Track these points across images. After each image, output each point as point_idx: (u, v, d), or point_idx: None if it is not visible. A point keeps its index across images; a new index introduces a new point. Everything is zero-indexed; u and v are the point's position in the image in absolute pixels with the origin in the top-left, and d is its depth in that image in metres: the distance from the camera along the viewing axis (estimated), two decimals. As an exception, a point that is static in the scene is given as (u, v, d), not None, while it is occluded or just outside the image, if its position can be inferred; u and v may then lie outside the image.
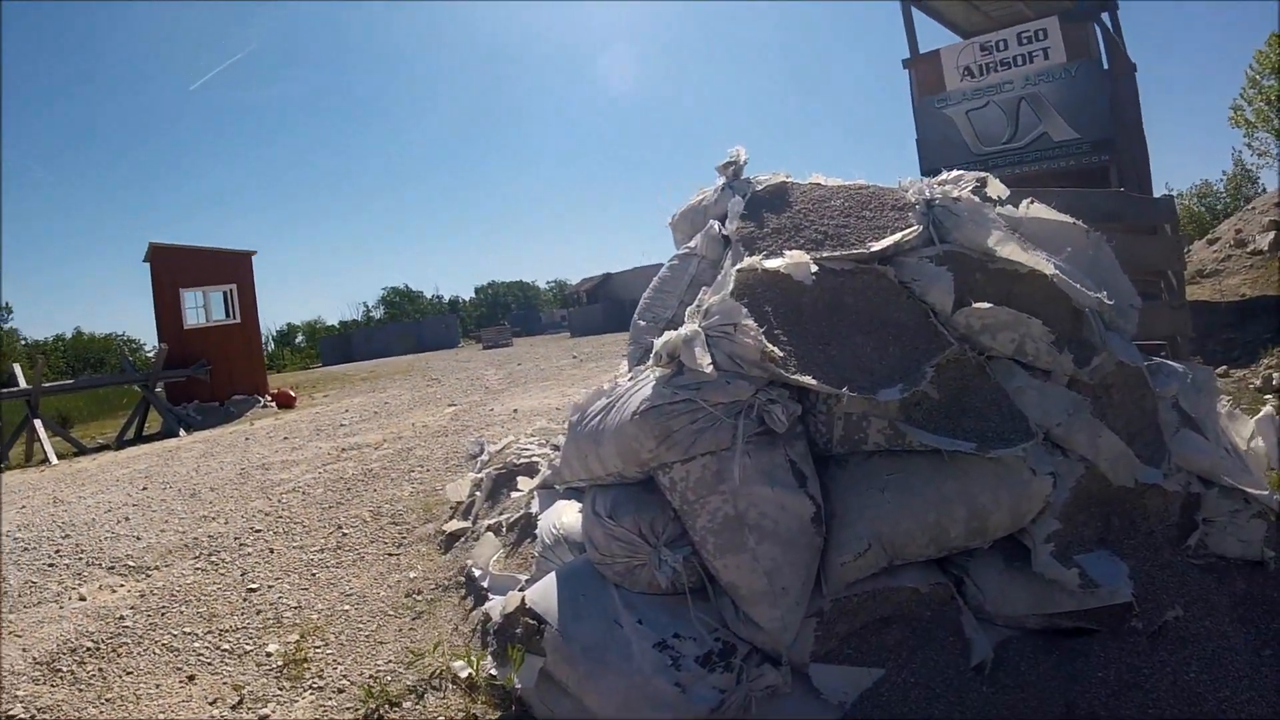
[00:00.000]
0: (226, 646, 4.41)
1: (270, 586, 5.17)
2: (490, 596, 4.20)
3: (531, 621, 3.48)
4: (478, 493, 5.82)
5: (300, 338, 77.32)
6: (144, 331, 65.42)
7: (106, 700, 3.98)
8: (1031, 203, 3.92)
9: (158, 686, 4.07)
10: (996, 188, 4.00)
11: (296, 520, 6.46)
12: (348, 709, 3.70)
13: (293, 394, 19.86)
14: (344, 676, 3.96)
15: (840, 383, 3.05)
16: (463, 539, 5.35)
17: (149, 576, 5.61)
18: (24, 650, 4.53)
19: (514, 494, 5.29)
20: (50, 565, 6.04)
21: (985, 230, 3.56)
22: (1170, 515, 3.44)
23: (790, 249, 3.60)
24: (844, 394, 3.04)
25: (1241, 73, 26.50)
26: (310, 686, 3.91)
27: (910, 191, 3.88)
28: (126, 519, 7.26)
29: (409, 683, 3.79)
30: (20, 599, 5.40)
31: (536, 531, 4.30)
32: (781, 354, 3.09)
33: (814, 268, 3.42)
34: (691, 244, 4.31)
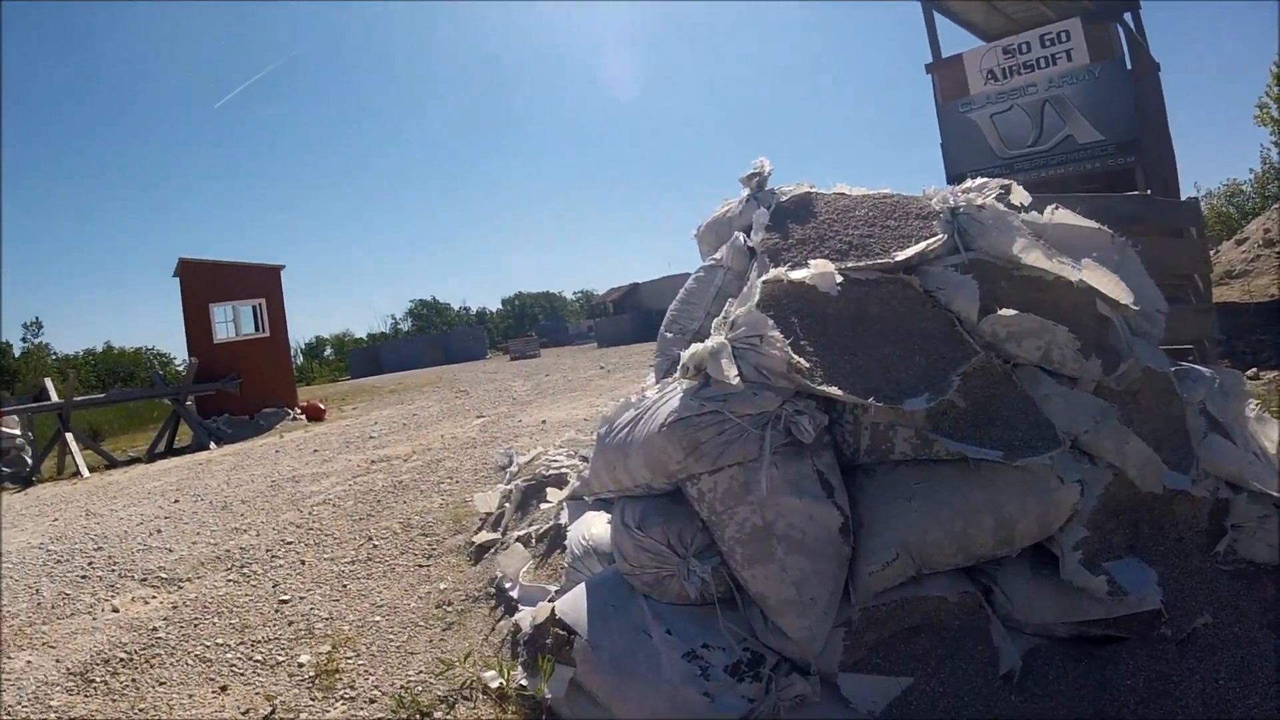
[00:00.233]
0: (259, 657, 4.44)
1: (302, 598, 5.21)
2: (520, 607, 4.21)
3: (561, 632, 3.51)
4: (507, 504, 5.84)
5: (329, 350, 77.99)
6: (174, 345, 65.98)
7: (139, 711, 4.01)
8: (1056, 209, 3.90)
9: (190, 697, 4.10)
10: (1020, 194, 3.98)
11: (327, 532, 6.51)
12: (379, 719, 3.73)
13: (322, 406, 19.99)
14: (375, 687, 3.99)
15: (866, 393, 3.06)
16: (492, 550, 5.36)
17: (181, 588, 5.66)
18: (57, 661, 4.58)
19: (543, 505, 5.31)
20: (83, 577, 6.11)
21: (1010, 237, 3.56)
22: (1199, 521, 3.42)
23: (815, 259, 3.60)
24: (870, 404, 3.04)
25: (1267, 70, 26.27)
26: (342, 697, 3.93)
27: (934, 200, 3.88)
28: (158, 531, 7.34)
29: (440, 693, 3.81)
30: (54, 610, 5.45)
31: (566, 542, 4.31)
32: (808, 365, 3.10)
33: (839, 278, 3.42)
34: (717, 256, 4.32)
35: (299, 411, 20.08)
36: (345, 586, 5.33)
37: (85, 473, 14.37)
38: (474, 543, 5.62)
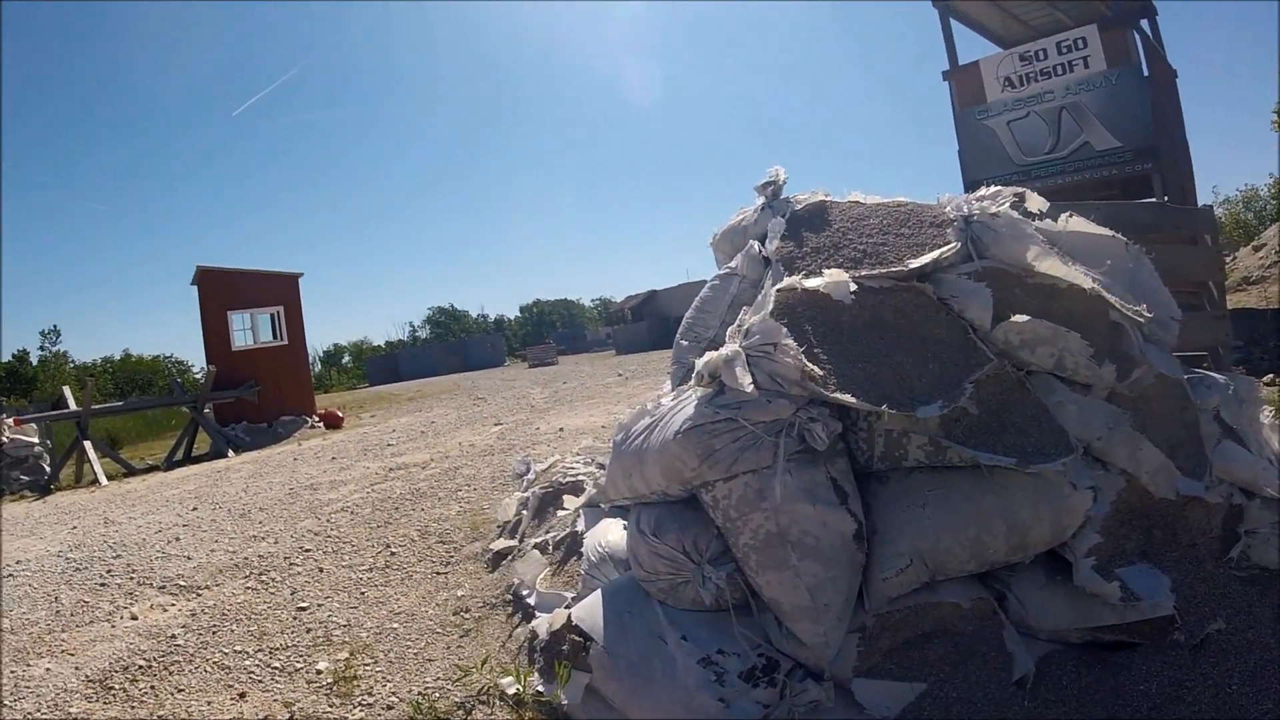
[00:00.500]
0: (277, 664, 4.47)
1: (320, 605, 5.24)
2: (537, 614, 4.24)
3: (578, 638, 3.53)
4: (524, 511, 5.87)
5: (347, 358, 78.18)
6: (192, 353, 66.44)
7: (159, 717, 4.04)
8: (1070, 217, 3.90)
9: (209, 704, 4.13)
10: (1036, 202, 3.99)
11: (345, 539, 6.55)
12: (397, 725, 3.76)
13: (340, 414, 20.09)
14: (393, 693, 4.01)
15: (880, 400, 3.07)
16: (510, 557, 5.39)
17: (200, 595, 5.70)
18: (77, 668, 4.62)
19: (560, 512, 5.34)
20: (102, 585, 6.16)
21: (1024, 245, 3.56)
22: (1212, 527, 3.42)
23: (829, 268, 3.62)
24: (884, 411, 3.06)
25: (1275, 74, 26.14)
26: (360, 703, 3.95)
27: (948, 208, 3.89)
28: (177, 539, 7.39)
29: (457, 699, 3.83)
30: (73, 618, 5.50)
31: (582, 549, 4.34)
32: (821, 372, 3.12)
33: (853, 286, 3.44)
34: (732, 264, 4.34)
35: (317, 419, 20.16)
36: (363, 594, 5.36)
37: (103, 480, 14.46)
38: (491, 550, 5.64)
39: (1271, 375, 8.11)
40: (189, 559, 6.60)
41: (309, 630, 4.86)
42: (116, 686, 4.38)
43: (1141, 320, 3.51)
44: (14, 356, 53.81)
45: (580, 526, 4.77)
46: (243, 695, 4.18)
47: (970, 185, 12.92)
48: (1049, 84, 12.67)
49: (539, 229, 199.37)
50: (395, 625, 4.79)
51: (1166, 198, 11.66)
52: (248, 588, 5.70)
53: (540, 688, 3.63)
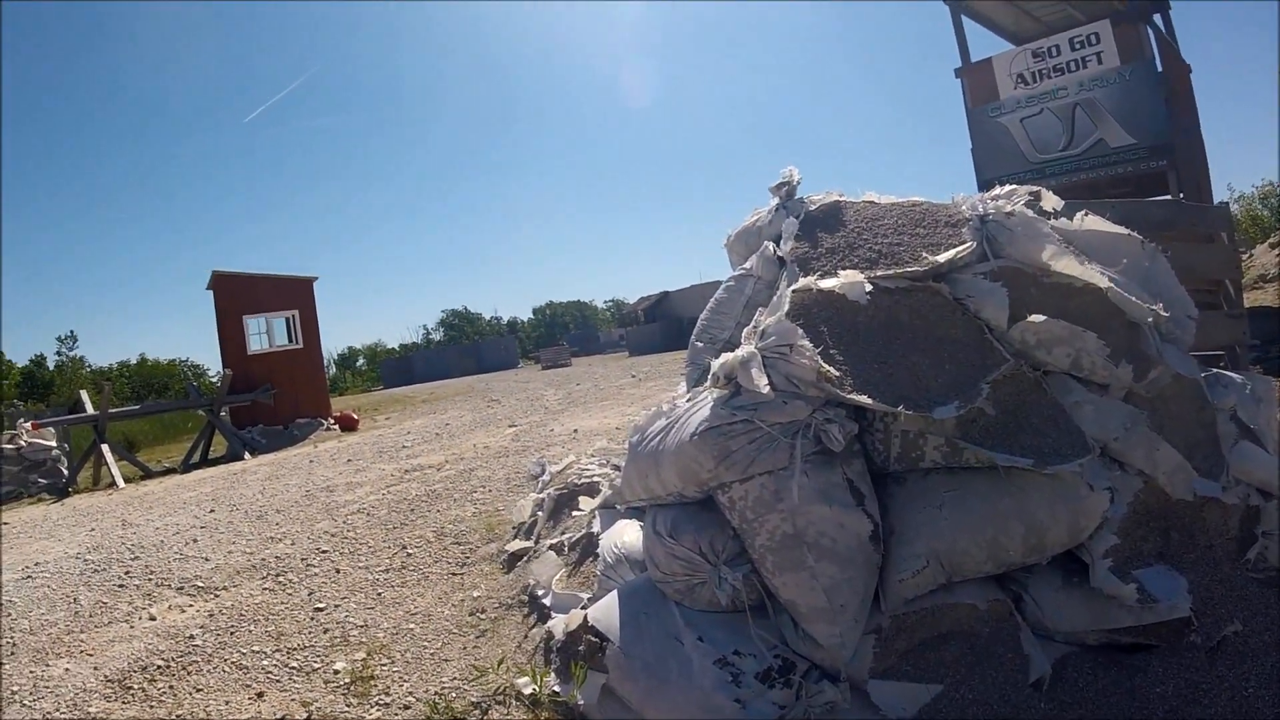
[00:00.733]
0: (295, 664, 4.50)
1: (337, 606, 5.27)
2: (553, 614, 4.25)
3: (594, 639, 3.53)
4: (539, 513, 5.88)
5: (361, 360, 78.49)
6: (208, 357, 66.69)
7: (177, 717, 4.07)
8: (1086, 215, 3.89)
9: (227, 703, 4.16)
10: (1051, 200, 3.97)
11: (362, 541, 6.58)
12: (414, 725, 3.78)
13: (355, 416, 20.17)
14: (410, 693, 4.03)
15: (896, 401, 3.07)
16: (525, 558, 5.40)
17: (218, 596, 5.74)
18: (96, 668, 4.66)
19: (575, 514, 5.34)
20: (120, 586, 6.21)
21: (1039, 245, 3.55)
22: (1229, 529, 3.40)
23: (844, 268, 3.62)
24: (900, 412, 3.06)
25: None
26: (377, 703, 3.98)
27: (963, 207, 3.88)
28: (194, 540, 7.45)
29: (474, 699, 3.85)
30: (91, 619, 5.55)
31: (598, 550, 4.35)
32: (837, 373, 3.11)
33: (868, 287, 3.44)
34: (747, 265, 4.33)
35: (332, 421, 20.23)
36: (380, 594, 5.39)
37: (121, 483, 14.53)
38: (507, 551, 5.66)
39: (1289, 374, 8.05)
40: (207, 560, 6.65)
41: (326, 631, 4.88)
42: (135, 686, 4.42)
43: (1158, 319, 3.49)
44: (31, 361, 54.27)
45: (596, 528, 4.77)
46: (261, 695, 4.21)
47: (984, 183, 12.83)
48: (1062, 80, 12.58)
49: (551, 231, 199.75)
50: (412, 626, 4.81)
51: (1182, 195, 11.58)
52: (265, 589, 5.74)
53: (556, 688, 3.64)
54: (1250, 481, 3.56)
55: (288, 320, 21.29)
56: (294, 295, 21.46)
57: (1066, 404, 3.32)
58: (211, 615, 5.33)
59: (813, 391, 3.13)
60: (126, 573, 6.53)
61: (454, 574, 5.59)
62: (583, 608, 3.83)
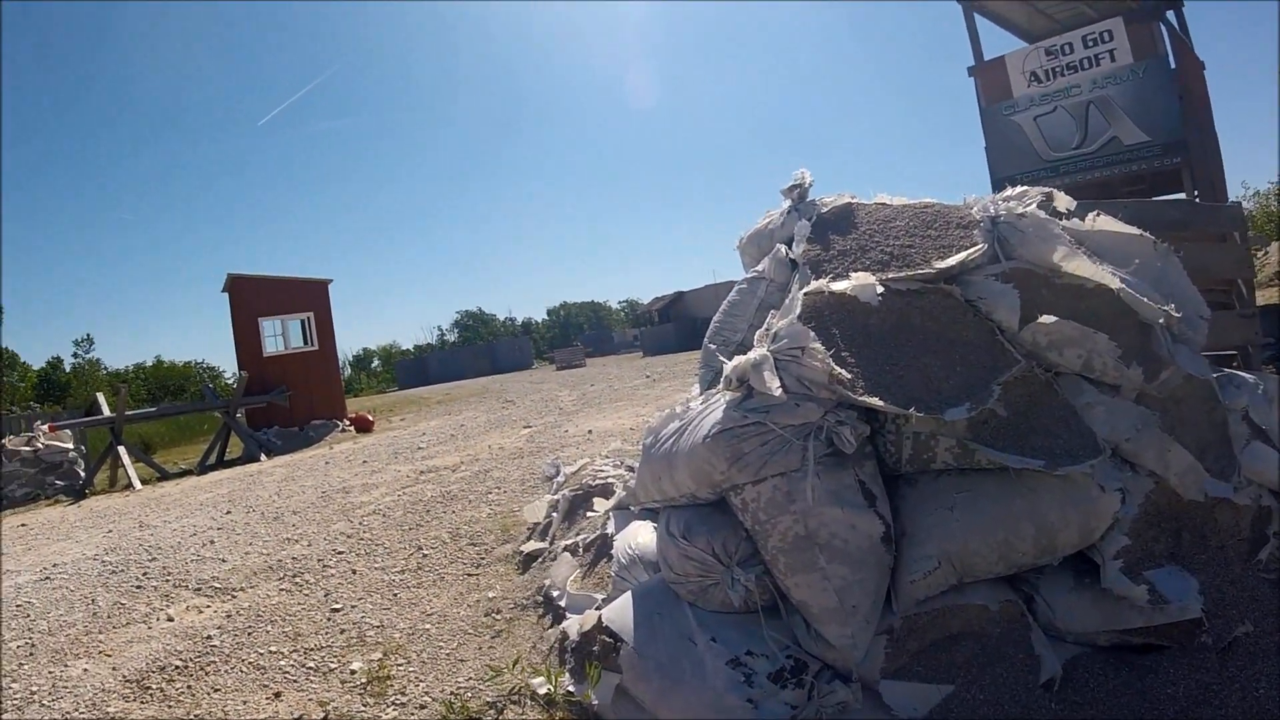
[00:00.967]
0: (312, 664, 4.53)
1: (353, 606, 5.30)
2: (567, 615, 4.27)
3: (608, 639, 3.56)
4: (554, 514, 5.90)
5: (376, 362, 78.73)
6: (224, 359, 67.00)
7: (195, 716, 4.11)
8: (1098, 215, 3.89)
9: (245, 703, 4.19)
10: (1063, 201, 3.97)
11: (378, 542, 6.61)
12: (430, 724, 3.81)
13: (370, 418, 20.23)
14: (426, 693, 4.06)
15: (908, 403, 3.08)
16: (540, 559, 5.43)
17: (235, 597, 5.78)
18: (114, 669, 4.69)
19: (590, 515, 5.37)
20: (138, 587, 6.25)
21: (1051, 246, 3.55)
22: (1241, 529, 3.40)
23: (856, 271, 3.63)
24: (911, 414, 3.07)
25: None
26: (393, 703, 4.01)
27: (975, 209, 3.88)
28: (211, 542, 7.49)
29: (489, 699, 3.88)
30: (110, 619, 5.58)
31: (612, 552, 4.37)
32: (849, 376, 3.12)
33: (880, 289, 3.45)
34: (760, 267, 4.34)
35: (348, 423, 20.33)
36: (396, 595, 5.42)
37: (137, 485, 14.63)
38: (522, 552, 5.69)
39: (1304, 373, 8.01)
40: (223, 561, 6.69)
41: (343, 631, 4.92)
42: (154, 686, 4.45)
43: (1170, 320, 3.49)
44: (48, 364, 54.60)
45: (610, 529, 4.79)
46: (278, 695, 4.24)
47: (998, 182, 12.82)
48: (1075, 78, 12.52)
49: (566, 232, 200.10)
50: (428, 626, 4.84)
51: (1196, 192, 11.54)
52: (282, 590, 5.78)
53: (571, 688, 3.66)
54: (1262, 482, 3.56)
55: (303, 322, 21.42)
56: (309, 297, 21.58)
57: (1078, 405, 3.33)
58: (229, 616, 5.37)
59: (824, 394, 3.15)
60: (144, 574, 6.57)
61: (469, 575, 5.62)
62: (597, 608, 3.85)
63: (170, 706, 4.24)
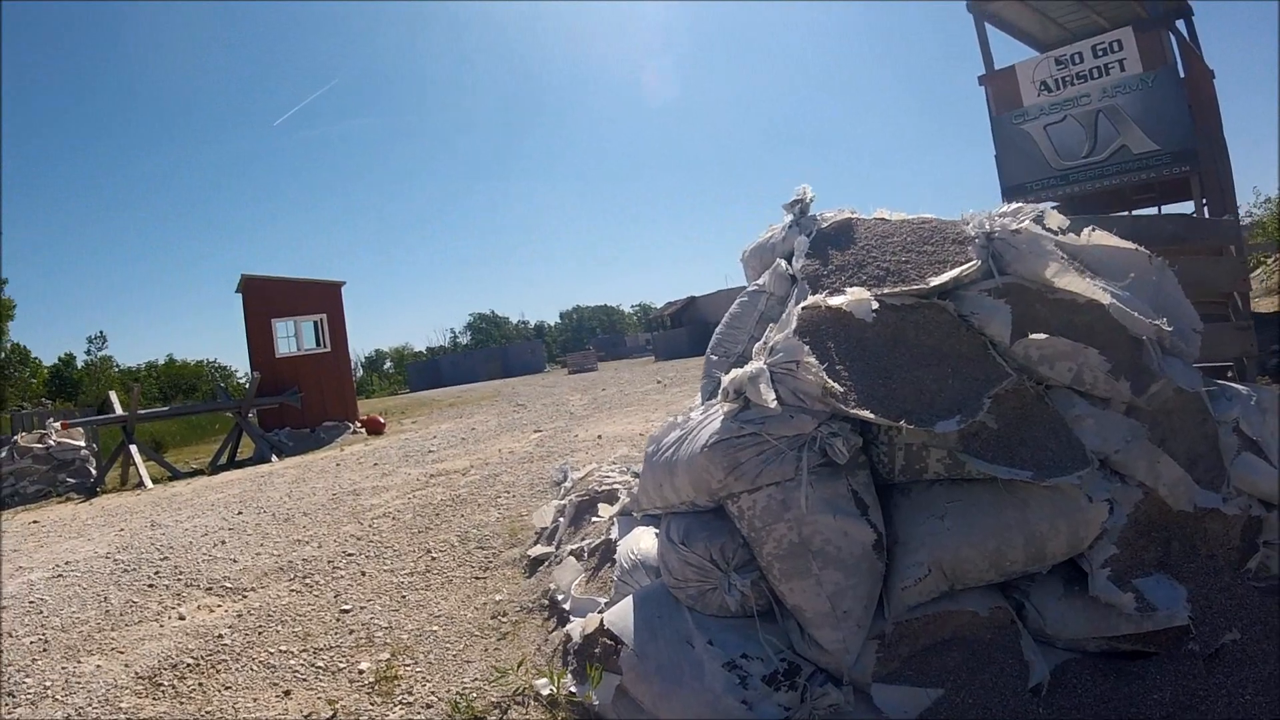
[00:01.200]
0: (321, 664, 4.61)
1: (362, 607, 5.39)
2: (571, 618, 4.35)
3: (610, 642, 3.64)
4: (561, 519, 5.97)
5: (389, 364, 78.76)
6: (236, 359, 67.17)
7: (206, 713, 4.18)
8: (1093, 230, 3.94)
9: (255, 701, 4.27)
10: (1056, 219, 4.03)
11: (387, 544, 6.70)
12: (436, 723, 3.89)
13: (382, 420, 20.27)
14: (432, 693, 4.14)
15: (899, 415, 3.15)
16: (546, 563, 5.52)
17: (245, 597, 5.87)
18: (126, 665, 4.78)
19: (595, 520, 5.45)
20: (150, 586, 6.34)
21: (1044, 262, 3.62)
22: (1231, 539, 3.47)
23: (853, 285, 3.70)
24: (902, 426, 3.16)
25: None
26: (400, 702, 4.08)
27: (970, 225, 3.95)
28: (223, 542, 7.58)
29: (494, 699, 3.96)
30: (122, 617, 5.67)
31: (616, 556, 4.45)
32: (841, 389, 3.19)
33: (875, 304, 3.52)
34: (760, 281, 4.41)
35: (359, 425, 20.41)
36: (404, 597, 5.51)
37: (149, 484, 14.72)
38: (529, 556, 5.78)
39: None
40: (235, 561, 6.78)
41: (351, 632, 5.00)
42: (165, 683, 4.53)
43: (1161, 333, 3.55)
44: (60, 360, 54.78)
45: (614, 534, 4.87)
46: (288, 693, 4.32)
47: (1008, 190, 12.84)
48: (1085, 87, 12.53)
49: (579, 235, 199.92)
50: (435, 628, 4.93)
51: (1205, 200, 11.55)
52: (292, 590, 5.87)
53: (573, 689, 3.74)
54: (1252, 493, 3.62)
55: (316, 324, 21.51)
56: (322, 299, 21.68)
57: (1068, 418, 3.40)
58: (240, 615, 5.46)
59: (818, 406, 3.23)
60: (156, 573, 6.66)
61: (477, 578, 5.70)
62: (600, 612, 3.93)
63: (182, 703, 4.32)
